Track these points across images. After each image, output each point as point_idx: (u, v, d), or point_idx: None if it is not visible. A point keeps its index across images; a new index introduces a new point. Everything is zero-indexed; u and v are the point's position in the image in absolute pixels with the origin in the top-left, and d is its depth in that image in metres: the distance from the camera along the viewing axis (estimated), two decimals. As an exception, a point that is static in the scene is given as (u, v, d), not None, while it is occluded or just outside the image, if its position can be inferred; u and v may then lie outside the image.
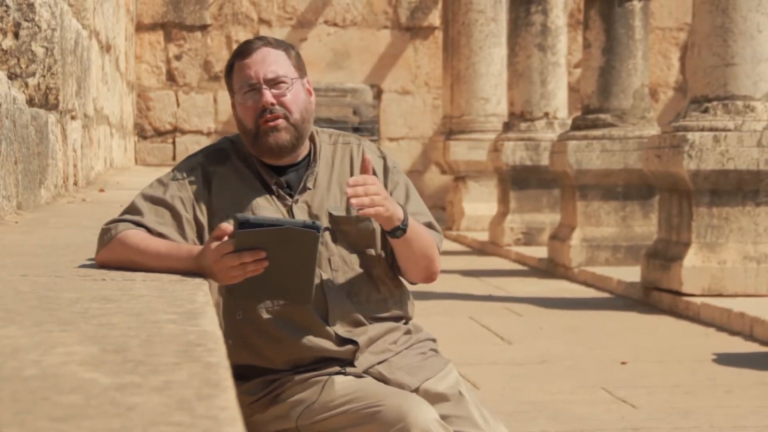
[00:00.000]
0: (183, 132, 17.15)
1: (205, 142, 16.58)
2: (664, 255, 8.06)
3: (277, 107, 2.73)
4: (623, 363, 5.92)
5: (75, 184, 6.81)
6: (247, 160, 2.82)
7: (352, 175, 2.85)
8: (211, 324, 1.82)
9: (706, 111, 7.86)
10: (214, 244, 2.51)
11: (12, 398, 1.25)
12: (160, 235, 2.67)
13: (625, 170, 10.00)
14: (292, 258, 2.50)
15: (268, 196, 2.80)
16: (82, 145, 7.29)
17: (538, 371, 5.78)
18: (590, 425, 4.63)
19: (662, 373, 5.71)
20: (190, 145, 16.67)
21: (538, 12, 12.09)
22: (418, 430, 2.63)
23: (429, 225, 2.86)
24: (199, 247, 2.60)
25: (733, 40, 7.75)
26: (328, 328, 2.79)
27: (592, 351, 6.33)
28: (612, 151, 10.03)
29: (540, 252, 11.16)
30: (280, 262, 2.50)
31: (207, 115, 17.18)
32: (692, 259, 7.74)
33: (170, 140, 17.15)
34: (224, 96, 17.15)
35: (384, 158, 2.90)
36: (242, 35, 17.10)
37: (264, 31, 17.06)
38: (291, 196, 2.81)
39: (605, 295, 8.89)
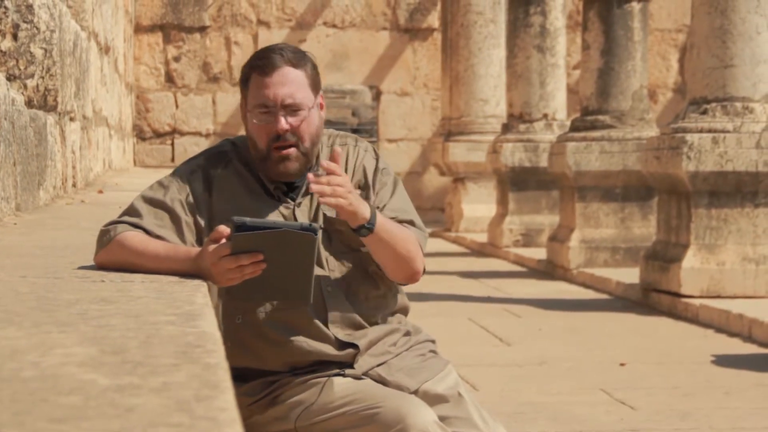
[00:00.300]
0: (182, 133, 17.15)
1: (203, 143, 16.59)
2: (663, 256, 8.06)
3: (290, 135, 2.72)
4: (622, 364, 5.92)
5: (74, 185, 6.81)
6: (249, 164, 2.82)
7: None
8: (210, 325, 1.82)
9: (704, 112, 7.87)
10: (212, 246, 2.51)
11: (11, 399, 1.25)
12: (159, 238, 2.67)
13: (624, 172, 10.00)
14: (289, 260, 2.51)
15: (269, 199, 2.80)
16: (80, 147, 7.29)
17: (537, 372, 5.78)
18: (589, 426, 4.63)
19: (661, 374, 5.71)
20: (189, 147, 16.67)
21: (537, 13, 12.10)
22: (416, 432, 2.63)
23: (411, 223, 2.83)
24: (197, 249, 2.60)
25: (732, 41, 7.76)
26: (327, 331, 2.79)
27: (591, 352, 6.33)
28: (611, 152, 10.03)
29: (539, 253, 11.16)
30: (278, 265, 2.50)
31: (206, 116, 17.18)
32: (691, 260, 7.74)
33: (169, 142, 17.15)
34: (223, 97, 17.16)
35: (376, 159, 2.90)
36: (241, 37, 17.11)
37: (263, 33, 17.07)
38: (293, 200, 2.81)
39: (604, 296, 8.89)
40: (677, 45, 17.66)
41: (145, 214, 2.71)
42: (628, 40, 9.97)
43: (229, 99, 17.15)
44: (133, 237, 2.65)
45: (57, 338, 1.66)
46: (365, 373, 2.80)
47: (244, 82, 2.78)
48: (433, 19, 17.38)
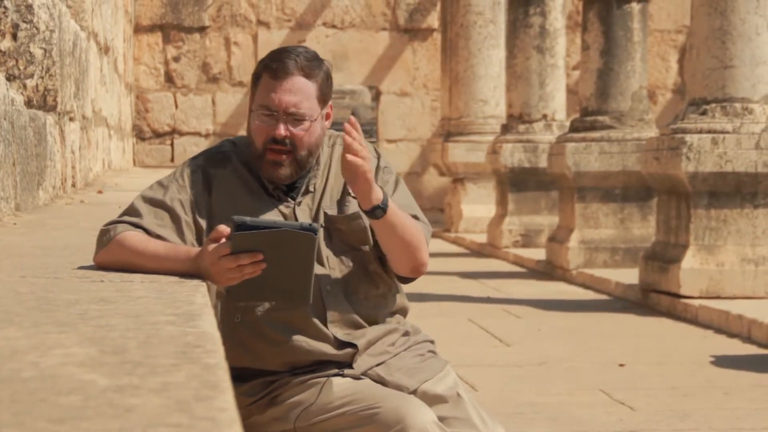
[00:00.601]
0: (181, 134, 17.14)
1: (203, 143, 16.59)
2: (662, 257, 8.06)
3: (287, 141, 2.72)
4: (621, 365, 5.92)
5: (73, 185, 6.81)
6: (249, 164, 2.82)
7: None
8: (209, 325, 1.82)
9: (704, 113, 7.87)
10: (212, 246, 2.51)
11: (11, 399, 1.25)
12: (159, 238, 2.67)
13: (623, 172, 10.00)
14: (289, 260, 2.51)
15: (269, 199, 2.80)
16: (80, 147, 7.29)
17: (537, 373, 5.78)
18: (588, 427, 4.63)
19: (660, 375, 5.71)
20: (189, 147, 16.67)
21: (537, 14, 12.10)
22: (416, 432, 2.63)
23: (415, 216, 2.84)
24: (197, 249, 2.60)
25: (732, 42, 7.76)
26: (326, 331, 2.79)
27: (591, 353, 6.33)
28: (610, 153, 10.04)
29: (538, 254, 11.16)
30: (278, 264, 2.50)
31: (205, 116, 17.18)
32: (690, 261, 7.74)
33: (168, 142, 17.14)
34: (222, 98, 17.16)
35: (378, 158, 2.90)
36: (240, 37, 17.11)
37: (262, 33, 17.07)
38: (293, 199, 2.81)
39: (603, 297, 8.89)
40: (677, 46, 17.66)
41: (145, 214, 2.71)
42: (627, 41, 9.97)
43: (229, 99, 17.15)
44: (133, 237, 2.65)
45: (56, 338, 1.66)
46: (364, 373, 2.80)
47: (255, 79, 2.78)
48: (433, 20, 17.38)
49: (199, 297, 2.20)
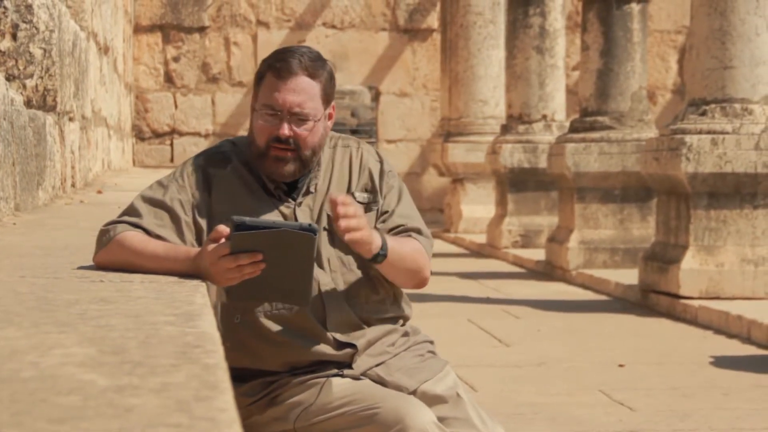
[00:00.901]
0: (181, 134, 17.14)
1: (203, 143, 16.59)
2: (661, 257, 8.06)
3: (291, 140, 2.72)
4: (621, 365, 5.92)
5: (73, 185, 6.81)
6: (249, 164, 2.82)
7: (350, 177, 2.85)
8: (209, 325, 1.82)
9: (704, 114, 7.87)
10: (211, 246, 2.51)
11: (10, 399, 1.25)
12: (159, 238, 2.67)
13: (623, 173, 10.00)
14: (289, 260, 2.50)
15: (268, 199, 2.80)
16: (80, 147, 7.29)
17: (536, 373, 5.78)
18: (588, 427, 4.63)
19: (660, 375, 5.71)
20: (188, 147, 16.67)
21: (537, 14, 12.10)
22: (415, 432, 2.63)
23: (417, 231, 2.85)
24: (196, 249, 2.60)
25: (732, 42, 7.76)
26: (326, 331, 2.79)
27: (590, 353, 6.33)
28: (610, 153, 10.04)
29: (538, 254, 11.16)
30: (277, 265, 2.50)
31: (205, 116, 17.18)
32: (690, 261, 7.74)
33: (168, 142, 17.14)
34: (222, 98, 17.16)
35: (381, 162, 2.90)
36: (240, 37, 17.11)
37: (262, 33, 17.07)
38: (294, 200, 2.81)
39: (603, 297, 8.89)
40: (676, 46, 17.66)
41: (145, 214, 2.71)
42: (627, 42, 9.97)
43: (229, 99, 17.15)
44: (133, 237, 2.65)
45: (56, 338, 1.66)
46: (364, 374, 2.81)
47: (259, 78, 2.77)
48: (433, 20, 17.38)
49: (198, 297, 2.20)
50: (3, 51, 5.10)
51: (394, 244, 2.74)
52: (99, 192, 6.98)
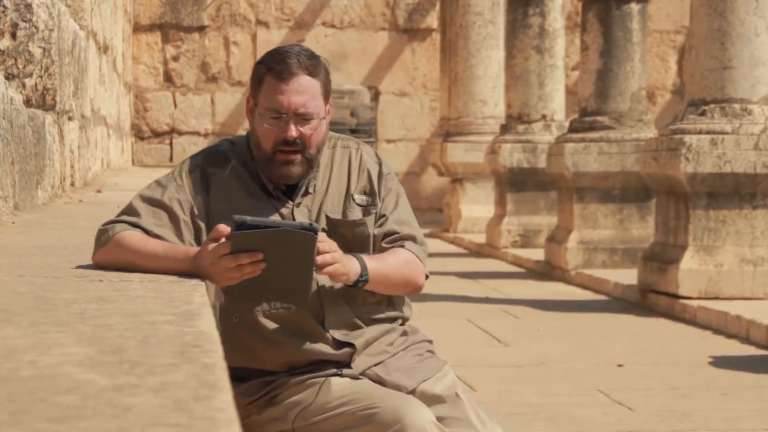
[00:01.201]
0: (180, 133, 17.14)
1: (202, 143, 16.58)
2: (660, 258, 8.06)
3: (298, 141, 2.72)
4: (620, 365, 5.92)
5: (72, 184, 6.81)
6: (247, 163, 2.82)
7: (349, 179, 2.85)
8: (207, 325, 1.82)
9: (703, 114, 7.87)
10: (211, 245, 2.51)
11: (9, 399, 1.25)
12: (157, 237, 2.67)
13: (622, 173, 10.00)
14: (289, 259, 2.50)
15: (267, 199, 2.80)
16: (79, 146, 7.29)
17: (535, 373, 5.78)
18: (587, 428, 4.63)
19: (659, 375, 5.71)
20: (188, 147, 16.67)
21: (536, 14, 12.10)
22: (414, 432, 2.63)
23: (411, 238, 2.85)
24: (196, 249, 2.60)
25: (731, 43, 7.76)
26: (324, 330, 2.79)
27: (589, 353, 6.33)
28: (609, 153, 10.04)
29: (537, 254, 11.16)
30: (278, 264, 2.50)
31: (204, 116, 17.18)
32: (689, 261, 7.74)
33: (167, 141, 17.14)
34: (221, 97, 17.16)
35: (380, 164, 2.90)
36: (240, 37, 17.10)
37: (261, 33, 17.07)
38: (292, 200, 2.81)
39: (602, 297, 8.89)
40: (676, 46, 17.66)
41: (144, 214, 2.71)
42: (626, 42, 9.97)
43: (228, 99, 17.15)
44: (132, 236, 2.64)
45: (55, 338, 1.66)
46: (363, 373, 2.80)
47: (257, 82, 2.76)
48: (432, 20, 17.38)
49: (197, 297, 2.20)
50: (2, 50, 5.10)
51: (377, 265, 2.74)
52: (98, 191, 6.97)
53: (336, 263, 2.62)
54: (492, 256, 12.30)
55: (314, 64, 2.74)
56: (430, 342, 2.97)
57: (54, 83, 5.40)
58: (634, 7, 9.98)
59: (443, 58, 15.50)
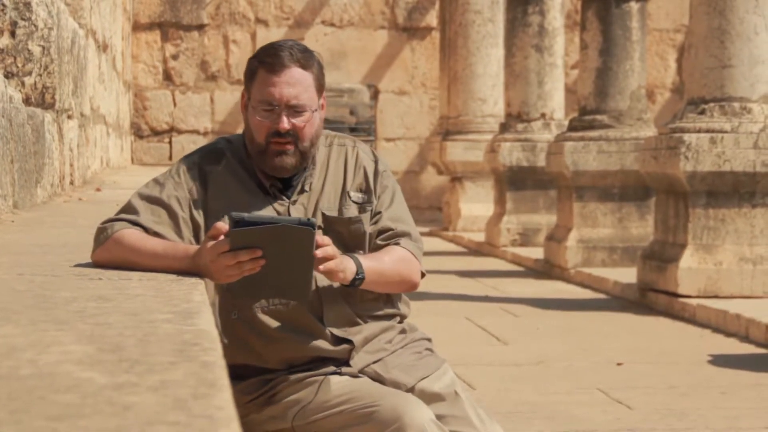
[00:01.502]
0: (179, 132, 17.14)
1: (201, 141, 16.58)
2: (660, 256, 8.06)
3: (290, 133, 2.73)
4: (619, 364, 5.93)
5: (71, 183, 6.81)
6: (244, 161, 2.82)
7: (345, 176, 2.86)
8: (207, 323, 1.82)
9: (702, 112, 7.87)
10: (210, 243, 2.51)
11: (8, 397, 1.25)
12: (157, 235, 2.67)
13: (621, 171, 10.00)
14: (288, 256, 2.50)
15: (264, 196, 2.81)
16: (78, 145, 7.29)
17: (534, 372, 5.78)
18: (586, 426, 4.63)
19: (658, 374, 5.71)
20: (187, 145, 16.67)
21: (536, 13, 12.09)
22: (413, 430, 2.63)
23: (406, 235, 2.85)
24: (195, 247, 2.60)
25: (730, 41, 7.76)
26: (323, 327, 2.80)
27: (588, 352, 6.33)
28: (609, 152, 10.04)
29: (536, 253, 11.16)
30: (277, 260, 2.50)
31: (204, 114, 17.17)
32: (688, 260, 7.74)
33: (167, 140, 17.14)
34: (221, 96, 17.15)
35: (376, 161, 2.90)
36: (239, 35, 17.10)
37: (261, 32, 17.07)
38: (288, 197, 2.81)
39: (601, 296, 8.89)
40: (675, 45, 17.66)
41: (142, 211, 2.71)
42: (626, 40, 9.97)
43: (227, 97, 17.14)
44: (131, 234, 2.65)
45: (54, 336, 1.66)
46: (361, 371, 2.81)
47: (250, 76, 2.77)
48: (432, 18, 17.37)
49: (196, 295, 2.20)
50: (2, 48, 5.10)
51: (372, 263, 2.74)
52: (97, 190, 6.97)
53: (335, 256, 2.62)
54: (491, 254, 12.30)
55: (306, 58, 2.75)
56: (429, 340, 2.97)
57: (53, 82, 5.40)
58: (634, 6, 9.97)
59: (443, 56, 15.50)
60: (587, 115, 10.23)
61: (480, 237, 13.34)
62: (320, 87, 2.78)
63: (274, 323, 2.79)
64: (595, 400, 5.09)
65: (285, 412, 2.79)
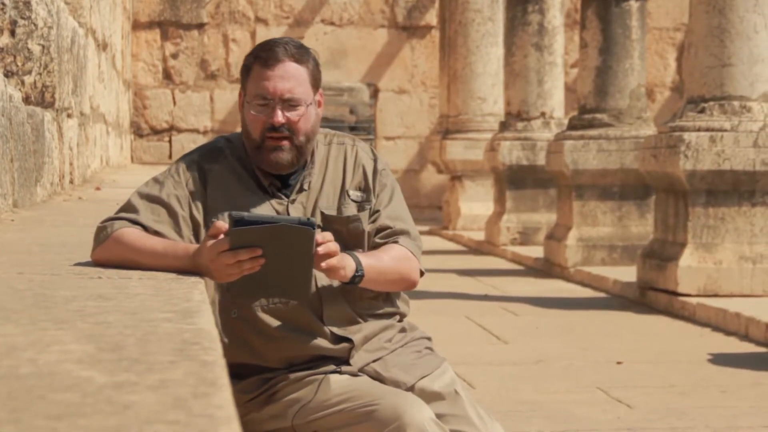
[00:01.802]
0: (179, 130, 17.14)
1: (201, 140, 16.58)
2: (660, 255, 8.06)
3: (285, 128, 2.73)
4: (619, 363, 5.93)
5: (71, 182, 6.81)
6: (243, 160, 2.82)
7: (344, 175, 2.86)
8: (206, 322, 1.82)
9: (702, 111, 7.87)
10: (210, 242, 2.51)
11: (8, 396, 1.25)
12: (157, 233, 2.67)
13: (621, 170, 10.00)
14: (288, 255, 2.51)
15: (263, 195, 2.81)
16: (78, 143, 7.28)
17: (534, 371, 5.78)
18: (586, 425, 4.64)
19: (658, 373, 5.71)
20: (187, 144, 16.67)
21: (535, 12, 12.09)
22: (413, 429, 2.63)
23: (406, 233, 2.85)
24: (195, 246, 2.60)
25: (730, 40, 7.76)
26: (322, 325, 2.80)
27: (588, 351, 6.33)
28: (608, 151, 10.04)
29: (536, 252, 11.16)
30: (277, 260, 2.50)
31: (203, 113, 17.17)
32: (688, 259, 7.74)
33: (166, 139, 17.14)
34: (221, 95, 17.15)
35: (375, 160, 2.91)
36: (239, 34, 17.10)
37: (261, 30, 17.06)
38: (287, 196, 2.81)
39: (601, 295, 8.89)
40: (675, 44, 17.66)
41: (142, 210, 2.71)
42: (626, 39, 9.97)
43: (227, 96, 17.14)
44: (131, 233, 2.65)
45: (54, 335, 1.66)
46: (361, 370, 2.81)
47: (246, 72, 2.78)
48: (431, 17, 17.37)
49: (196, 294, 2.20)
50: (1, 47, 5.10)
51: (371, 261, 2.74)
52: (97, 189, 6.97)
53: (337, 252, 2.62)
54: (491, 253, 12.30)
55: (301, 53, 2.76)
56: (429, 339, 2.97)
57: (53, 80, 5.40)
58: (633, 5, 9.97)
59: (442, 55, 15.50)
60: (587, 113, 10.23)
61: (480, 236, 13.34)
62: (315, 82, 2.78)
63: (274, 322, 2.79)
64: (595, 399, 5.09)
65: (285, 411, 2.79)
